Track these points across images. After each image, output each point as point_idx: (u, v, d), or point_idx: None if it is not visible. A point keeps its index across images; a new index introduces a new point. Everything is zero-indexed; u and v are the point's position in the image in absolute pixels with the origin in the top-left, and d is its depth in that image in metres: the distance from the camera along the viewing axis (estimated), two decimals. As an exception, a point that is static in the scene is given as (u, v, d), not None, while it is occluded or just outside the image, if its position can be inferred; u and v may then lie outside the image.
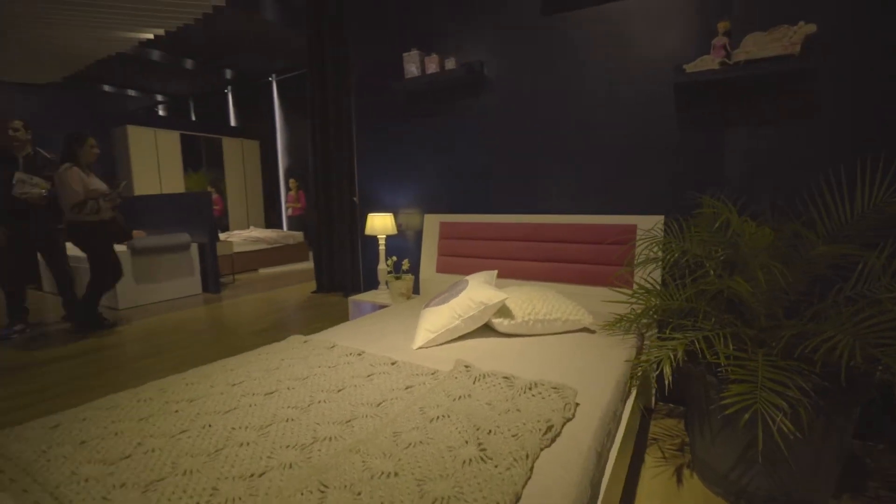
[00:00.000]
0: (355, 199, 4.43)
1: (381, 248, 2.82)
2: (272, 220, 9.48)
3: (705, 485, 1.60)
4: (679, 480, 1.65)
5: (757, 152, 1.97)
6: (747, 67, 1.83)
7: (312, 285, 5.18)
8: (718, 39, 1.90)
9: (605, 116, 2.28)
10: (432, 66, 2.65)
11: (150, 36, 6.24)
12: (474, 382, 1.33)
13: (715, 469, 1.55)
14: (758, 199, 1.96)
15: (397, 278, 2.66)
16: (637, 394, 1.64)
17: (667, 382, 1.41)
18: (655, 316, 1.79)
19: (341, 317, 3.85)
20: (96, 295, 3.58)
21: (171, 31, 6.05)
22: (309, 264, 7.04)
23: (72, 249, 3.73)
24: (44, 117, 7.02)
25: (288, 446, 1.03)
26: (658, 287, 1.88)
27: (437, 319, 1.78)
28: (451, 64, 2.61)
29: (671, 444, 1.87)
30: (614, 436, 1.32)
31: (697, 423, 1.60)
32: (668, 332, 1.64)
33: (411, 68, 2.68)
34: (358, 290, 4.59)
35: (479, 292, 1.80)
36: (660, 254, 1.85)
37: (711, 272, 1.67)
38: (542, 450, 1.01)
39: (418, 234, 2.94)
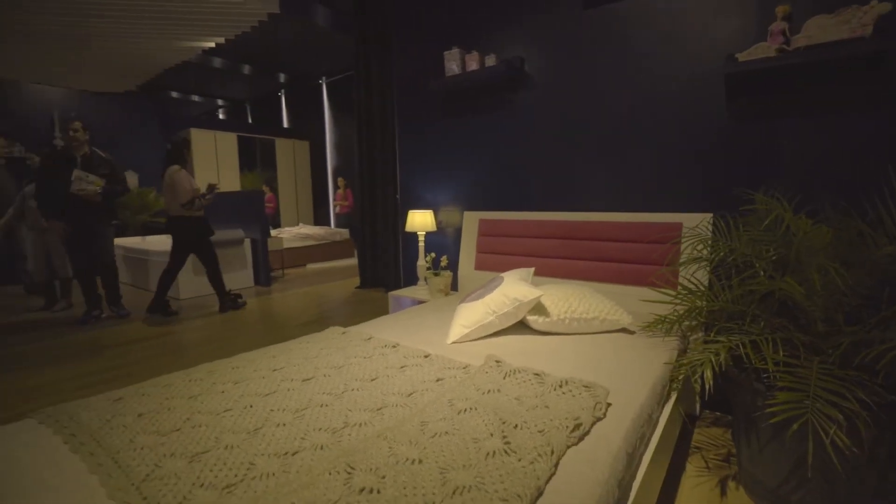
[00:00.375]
0: (399, 196, 4.52)
1: (421, 244, 2.87)
2: (320, 218, 9.84)
3: (752, 498, 1.51)
4: (723, 492, 1.57)
5: (816, 146, 1.83)
6: (809, 54, 1.70)
7: (357, 281, 5.33)
8: (777, 25, 1.79)
9: (649, 110, 2.19)
10: (473, 64, 2.66)
11: (212, 44, 6.67)
12: (504, 377, 1.33)
13: (763, 482, 1.46)
14: (816, 196, 1.83)
15: (436, 275, 2.69)
16: (677, 398, 1.58)
17: (708, 387, 1.35)
18: (701, 318, 1.71)
19: (382, 311, 3.94)
20: (218, 276, 4.06)
21: (231, 38, 6.44)
22: (354, 261, 7.25)
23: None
24: (122, 122, 7.65)
25: (320, 429, 1.07)
26: (703, 288, 1.80)
27: (471, 315, 1.79)
28: (491, 61, 2.61)
29: (716, 454, 1.78)
30: (649, 439, 1.28)
31: (744, 433, 1.51)
32: (712, 334, 1.56)
33: (452, 66, 2.70)
34: (399, 286, 4.68)
35: (514, 289, 1.79)
36: (704, 252, 1.76)
37: (761, 273, 1.58)
38: (568, 447, 1.00)
39: (458, 232, 2.96)
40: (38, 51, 6.04)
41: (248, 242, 5.17)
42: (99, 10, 5.03)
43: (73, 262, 3.87)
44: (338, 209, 8.32)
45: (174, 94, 10.71)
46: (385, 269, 4.87)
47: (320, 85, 9.82)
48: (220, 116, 11.91)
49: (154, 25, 5.68)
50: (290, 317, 3.92)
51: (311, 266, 6.78)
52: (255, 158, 8.69)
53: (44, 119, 6.69)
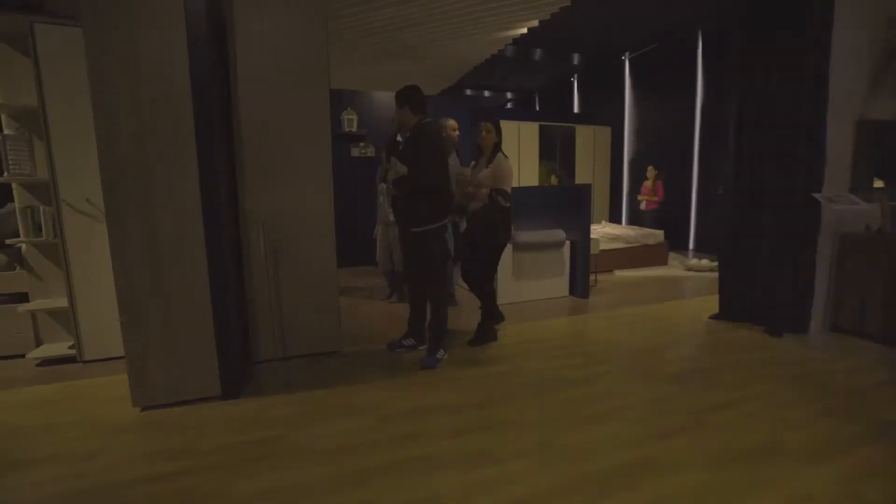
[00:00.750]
0: (821, 196, 2.90)
1: None
2: (614, 214, 8.67)
3: None
4: None
5: None
6: None
7: (705, 305, 3.95)
8: None
9: None
10: None
11: (524, 30, 6.25)
12: None
13: None
14: None
15: None
16: None
17: None
18: None
19: (818, 385, 2.48)
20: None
21: (546, 19, 5.85)
22: (667, 270, 5.80)
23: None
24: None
25: None
26: None
27: None
28: None
29: None
30: None
31: None
32: None
33: None
34: (801, 329, 3.07)
35: None
36: None
37: None
38: None
39: None
40: (379, 65, 6.83)
41: (567, 245, 4.44)
42: (427, 19, 5.15)
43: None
44: (644, 205, 6.95)
45: (468, 92, 11.31)
46: (769, 297, 3.31)
47: (622, 62, 8.56)
48: (508, 107, 12.09)
49: (471, 20, 5.53)
50: (644, 355, 2.90)
51: (620, 273, 5.70)
52: (555, 148, 8.13)
53: (387, 120, 7.69)
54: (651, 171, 6.72)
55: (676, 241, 7.21)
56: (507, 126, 7.50)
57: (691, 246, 7.36)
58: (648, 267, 5.95)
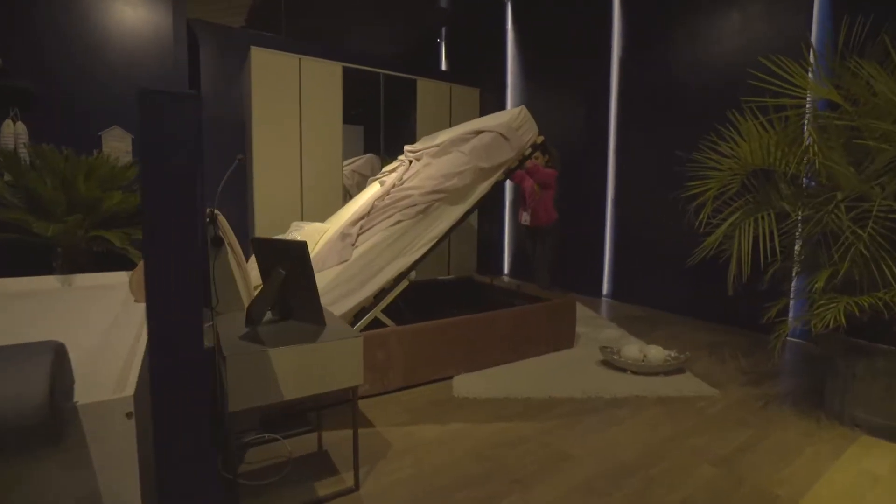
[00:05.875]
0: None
1: None
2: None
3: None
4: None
5: None
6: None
7: None
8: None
9: None
10: None
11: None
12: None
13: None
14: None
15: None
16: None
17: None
18: None
19: None
20: None
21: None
22: (575, 373, 2.75)
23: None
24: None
25: None
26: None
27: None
28: None
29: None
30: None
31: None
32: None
33: None
34: None
35: None
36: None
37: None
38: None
39: None
40: None
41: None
42: None
43: None
44: (525, 215, 3.97)
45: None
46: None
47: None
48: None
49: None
50: None
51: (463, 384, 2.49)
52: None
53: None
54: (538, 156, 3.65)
55: (585, 284, 4.52)
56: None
57: (605, 291, 4.59)
58: (523, 359, 2.82)
